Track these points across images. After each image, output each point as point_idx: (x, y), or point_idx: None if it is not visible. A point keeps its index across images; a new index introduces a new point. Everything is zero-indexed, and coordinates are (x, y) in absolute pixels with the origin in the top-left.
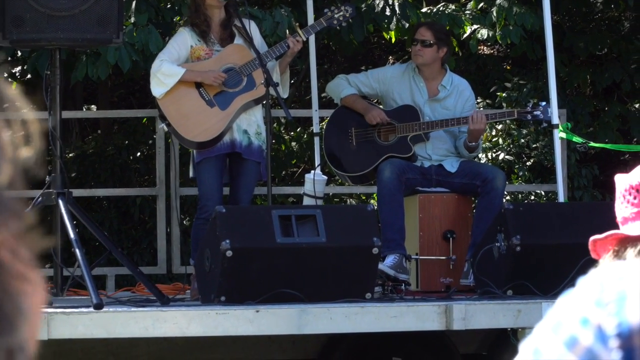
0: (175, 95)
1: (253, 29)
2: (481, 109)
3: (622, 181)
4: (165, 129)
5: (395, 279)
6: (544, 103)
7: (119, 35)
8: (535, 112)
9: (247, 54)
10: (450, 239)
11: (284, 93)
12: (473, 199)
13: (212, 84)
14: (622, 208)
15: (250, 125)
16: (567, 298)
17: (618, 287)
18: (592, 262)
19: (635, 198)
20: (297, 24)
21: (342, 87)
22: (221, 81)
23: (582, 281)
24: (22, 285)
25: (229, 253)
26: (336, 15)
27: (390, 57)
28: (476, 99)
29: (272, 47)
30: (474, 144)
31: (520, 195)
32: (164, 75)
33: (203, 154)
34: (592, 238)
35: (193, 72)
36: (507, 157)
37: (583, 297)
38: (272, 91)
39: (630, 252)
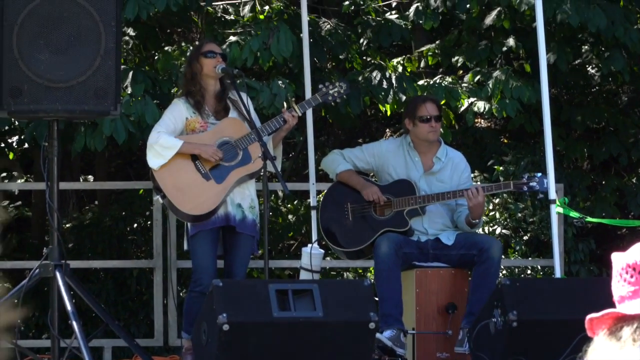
0: (172, 168)
1: (247, 102)
2: (478, 182)
3: (619, 260)
4: (161, 200)
5: (392, 352)
6: (539, 174)
7: (117, 107)
8: (531, 184)
9: (242, 128)
10: (448, 313)
11: (278, 167)
12: (469, 272)
13: (209, 160)
14: (618, 287)
15: (244, 199)
16: None
17: None
18: (588, 339)
19: (632, 277)
20: (293, 99)
21: (338, 162)
22: (218, 158)
23: None
24: None
25: (226, 327)
26: (331, 92)
27: (388, 129)
28: (473, 172)
29: (267, 122)
30: (476, 221)
31: (516, 270)
32: (162, 147)
33: (197, 227)
34: (588, 316)
35: (191, 144)
36: (504, 231)
37: None
38: (269, 165)
39: (626, 330)
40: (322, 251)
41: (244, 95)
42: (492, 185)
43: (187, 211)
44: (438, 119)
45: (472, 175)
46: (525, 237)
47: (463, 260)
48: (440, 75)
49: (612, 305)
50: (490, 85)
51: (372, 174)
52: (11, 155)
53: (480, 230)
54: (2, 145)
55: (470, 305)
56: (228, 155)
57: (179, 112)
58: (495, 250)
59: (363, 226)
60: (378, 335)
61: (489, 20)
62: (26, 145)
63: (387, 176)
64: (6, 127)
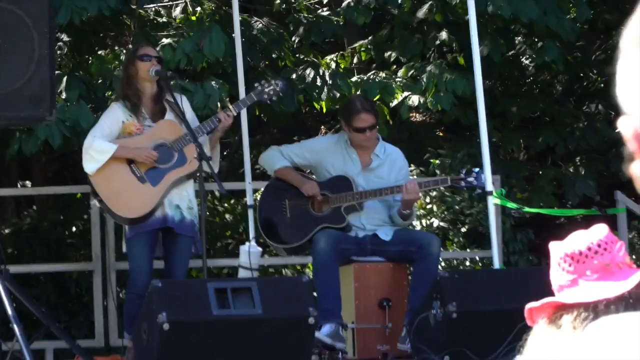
0: (107, 172)
1: (185, 103)
2: (414, 177)
3: (557, 249)
4: (98, 204)
5: (332, 348)
6: (477, 169)
7: (52, 113)
8: (468, 179)
9: (178, 130)
10: (386, 306)
11: (215, 167)
12: (408, 266)
13: (144, 162)
14: (557, 276)
15: (182, 200)
16: None
17: None
18: (528, 328)
19: (570, 265)
20: (228, 98)
21: (276, 159)
22: (153, 159)
23: None
24: None
25: (166, 326)
26: (266, 90)
27: (323, 126)
28: (409, 166)
29: (203, 122)
30: (407, 211)
31: (455, 262)
32: (96, 151)
33: (135, 229)
34: (528, 306)
35: (125, 148)
36: (441, 224)
37: None
38: (205, 165)
39: (566, 318)
40: (260, 249)
41: (178, 97)
42: (430, 181)
43: (123, 214)
44: (373, 127)
45: (409, 169)
46: (463, 229)
47: (401, 256)
48: (374, 71)
49: (551, 294)
50: (425, 79)
51: (309, 170)
52: None
53: (417, 224)
54: None
55: (412, 302)
56: (163, 157)
57: (114, 115)
58: (434, 246)
59: (301, 222)
60: (317, 334)
61: (420, 14)
62: None
63: (325, 172)
64: None
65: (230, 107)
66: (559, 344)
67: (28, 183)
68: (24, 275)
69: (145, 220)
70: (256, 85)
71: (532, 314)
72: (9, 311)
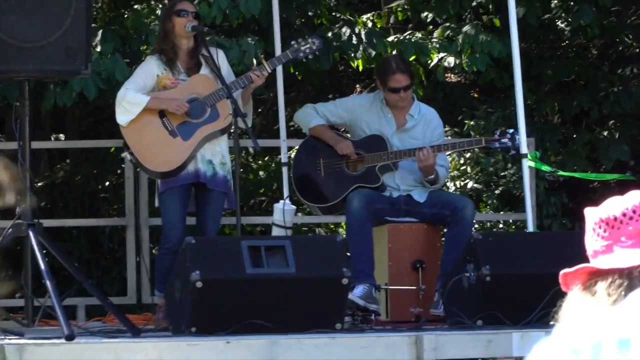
0: (139, 124)
1: (221, 58)
2: (449, 137)
3: (592, 214)
4: (129, 157)
5: (365, 309)
6: (511, 131)
7: (87, 67)
8: (502, 140)
9: (212, 85)
10: (420, 268)
11: (248, 123)
12: (442, 228)
13: (175, 112)
14: (592, 241)
15: (215, 156)
16: (543, 345)
17: (594, 336)
18: (562, 293)
19: (605, 231)
20: (263, 55)
21: (311, 117)
22: (184, 110)
23: (558, 328)
24: None
25: (199, 284)
26: (302, 48)
27: (358, 85)
28: (444, 127)
29: (236, 79)
30: (431, 177)
31: (488, 224)
32: (129, 103)
33: (167, 183)
34: (562, 271)
35: (157, 99)
36: (475, 185)
37: (559, 345)
38: (239, 122)
39: (601, 285)
40: (294, 207)
41: (214, 51)
42: (464, 142)
43: (153, 168)
44: (408, 87)
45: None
46: (497, 191)
47: (435, 218)
48: (410, 31)
49: (585, 258)
50: (460, 40)
51: (343, 129)
52: None
53: (451, 186)
54: None
55: (445, 266)
56: (196, 112)
57: (149, 69)
58: (468, 210)
59: (335, 181)
60: (350, 295)
61: None
62: None
63: (359, 131)
64: None
65: (265, 64)
66: (593, 310)
67: (61, 136)
68: (56, 229)
69: (176, 175)
70: (292, 42)
71: (567, 280)
72: (42, 266)
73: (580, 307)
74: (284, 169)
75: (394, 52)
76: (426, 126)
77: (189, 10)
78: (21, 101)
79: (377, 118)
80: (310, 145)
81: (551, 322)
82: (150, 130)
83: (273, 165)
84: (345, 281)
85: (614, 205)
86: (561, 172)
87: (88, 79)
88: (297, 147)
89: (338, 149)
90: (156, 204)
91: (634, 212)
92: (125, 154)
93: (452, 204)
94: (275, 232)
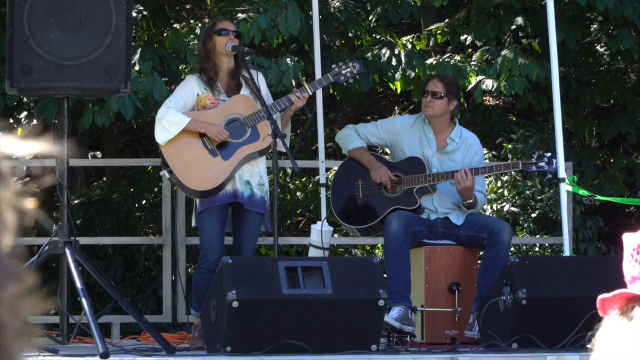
0: (179, 143)
1: (260, 80)
2: (487, 160)
3: (630, 240)
4: (167, 175)
5: (400, 331)
6: (549, 154)
7: (127, 85)
8: (540, 164)
9: (252, 105)
10: (456, 291)
11: (287, 145)
12: (479, 251)
13: (214, 139)
14: (630, 267)
15: (253, 177)
16: None
17: None
18: (597, 317)
19: None
20: (304, 77)
21: (351, 138)
22: (224, 138)
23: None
24: (20, 345)
25: (235, 304)
26: (343, 71)
27: (396, 107)
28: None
29: (276, 101)
30: (469, 201)
31: (524, 247)
32: (169, 122)
33: (205, 203)
34: (600, 296)
35: (198, 122)
36: (512, 208)
37: None
38: (279, 143)
39: (638, 310)
40: (332, 228)
41: (254, 73)
42: (502, 165)
43: (193, 187)
44: (436, 95)
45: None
46: (533, 215)
47: (472, 241)
48: (449, 54)
49: (622, 283)
50: (499, 63)
51: (381, 150)
52: (19, 131)
53: (488, 208)
54: (11, 121)
55: (480, 289)
56: (236, 132)
57: (190, 88)
58: (505, 234)
59: (373, 203)
60: (386, 317)
61: None
62: (35, 121)
63: (399, 152)
64: (15, 104)
65: (306, 86)
66: (630, 335)
67: (98, 154)
68: (92, 247)
69: (215, 194)
70: (333, 66)
71: (604, 305)
72: (78, 284)
73: (616, 332)
74: (322, 190)
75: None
76: (467, 151)
77: (230, 29)
78: (60, 119)
79: (418, 138)
80: (349, 167)
81: (587, 346)
82: (190, 149)
83: (310, 185)
84: (381, 303)
85: None
86: (598, 197)
87: (126, 98)
88: (335, 168)
89: (372, 176)
90: (193, 224)
91: None
92: (164, 172)
93: (490, 227)
94: (312, 253)
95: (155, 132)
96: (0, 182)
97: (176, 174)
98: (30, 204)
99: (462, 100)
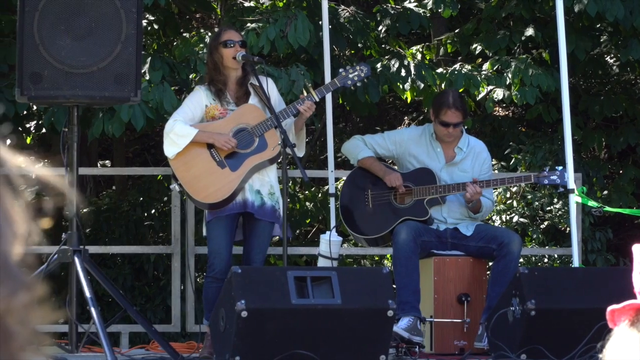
0: (187, 156)
1: (271, 86)
2: (496, 171)
3: (638, 252)
4: (178, 189)
5: (409, 341)
6: (560, 168)
7: (137, 94)
8: (552, 177)
9: (260, 114)
10: (465, 301)
11: (300, 152)
12: (488, 261)
13: (222, 148)
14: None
15: (263, 186)
16: None
17: None
18: (606, 328)
19: None
20: (311, 85)
21: (359, 148)
22: (232, 147)
23: None
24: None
25: (244, 313)
26: (350, 75)
27: (406, 117)
28: (492, 160)
29: (284, 108)
30: (470, 204)
31: (533, 258)
32: (177, 135)
33: (214, 213)
34: (610, 307)
35: (205, 133)
36: (521, 219)
37: None
38: (288, 150)
39: None
40: (341, 239)
41: (264, 80)
42: (513, 177)
43: (202, 199)
44: (458, 125)
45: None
46: (542, 226)
47: (481, 252)
48: (459, 63)
49: (631, 294)
50: (510, 74)
51: (391, 161)
52: (29, 140)
53: (497, 219)
54: (20, 129)
55: (489, 300)
56: (244, 142)
57: (198, 99)
58: (515, 245)
59: (383, 213)
60: (395, 328)
61: (507, 9)
62: (44, 130)
63: (407, 164)
64: (24, 112)
65: (313, 92)
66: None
67: (108, 163)
68: (101, 255)
69: (225, 206)
70: (340, 70)
71: (614, 316)
72: (87, 293)
73: (626, 343)
74: (332, 200)
75: (444, 85)
76: (475, 159)
77: (235, 39)
78: (69, 127)
79: (425, 151)
80: (358, 177)
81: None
82: (199, 161)
83: (320, 195)
84: (390, 313)
85: None
86: (608, 208)
87: (136, 108)
88: (344, 178)
89: (387, 180)
90: (203, 233)
91: None
92: (174, 185)
93: (499, 238)
94: (321, 263)
95: (164, 146)
96: (11, 191)
97: (185, 187)
98: (44, 223)
99: (473, 108)
